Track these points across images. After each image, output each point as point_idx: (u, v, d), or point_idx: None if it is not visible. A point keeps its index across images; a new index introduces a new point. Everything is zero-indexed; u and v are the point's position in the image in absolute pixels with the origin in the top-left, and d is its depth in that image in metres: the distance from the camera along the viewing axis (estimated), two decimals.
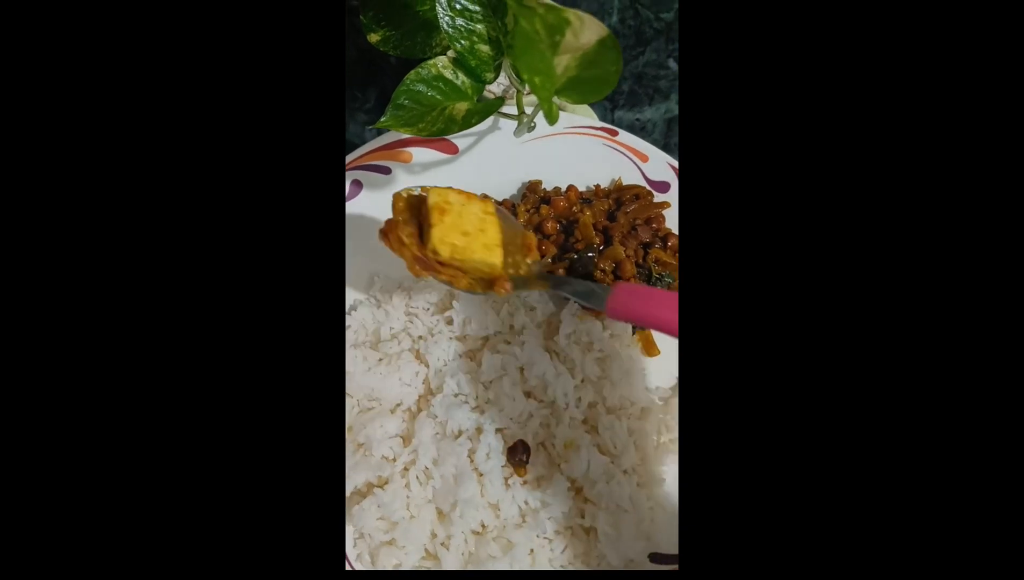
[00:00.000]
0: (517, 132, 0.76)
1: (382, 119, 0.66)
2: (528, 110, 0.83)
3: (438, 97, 0.68)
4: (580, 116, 0.93)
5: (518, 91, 0.78)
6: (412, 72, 0.67)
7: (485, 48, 0.68)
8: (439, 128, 0.67)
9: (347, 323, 0.84)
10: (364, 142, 1.12)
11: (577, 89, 0.63)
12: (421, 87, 0.67)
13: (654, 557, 0.73)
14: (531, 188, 0.89)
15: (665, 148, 0.97)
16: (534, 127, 0.76)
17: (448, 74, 0.69)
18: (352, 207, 0.86)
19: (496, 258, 0.65)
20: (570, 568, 0.73)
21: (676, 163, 0.89)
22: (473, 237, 0.64)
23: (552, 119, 0.67)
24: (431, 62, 0.68)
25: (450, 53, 0.69)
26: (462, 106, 0.69)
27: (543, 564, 0.72)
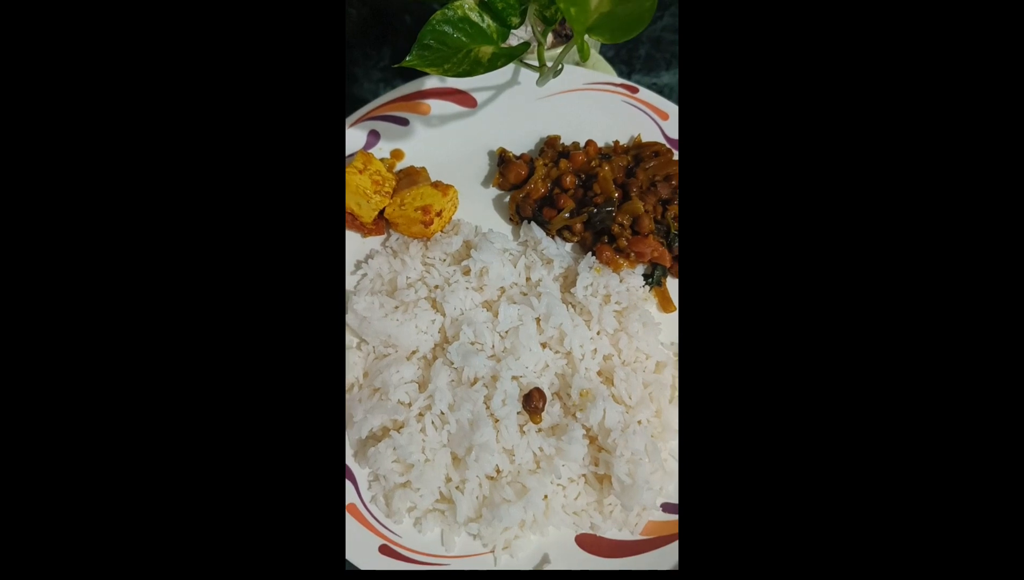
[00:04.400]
0: (540, 81, 0.76)
1: (407, 58, 0.66)
2: (549, 63, 0.83)
3: (463, 39, 0.67)
4: (600, 72, 0.92)
5: (539, 42, 0.77)
6: (438, 12, 0.67)
7: None
8: (464, 69, 0.67)
9: (364, 272, 0.84)
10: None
11: (610, 25, 0.63)
12: (447, 28, 0.67)
13: (666, 507, 0.74)
14: (549, 143, 0.89)
15: None
16: (561, 70, 0.76)
17: (474, 16, 0.68)
18: None
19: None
20: (583, 513, 0.73)
21: None
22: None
23: (585, 56, 0.67)
24: (457, 3, 0.67)
25: None
26: (487, 49, 0.68)
27: (556, 508, 0.73)
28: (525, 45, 0.70)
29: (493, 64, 0.67)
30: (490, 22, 0.69)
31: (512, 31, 0.72)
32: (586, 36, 0.65)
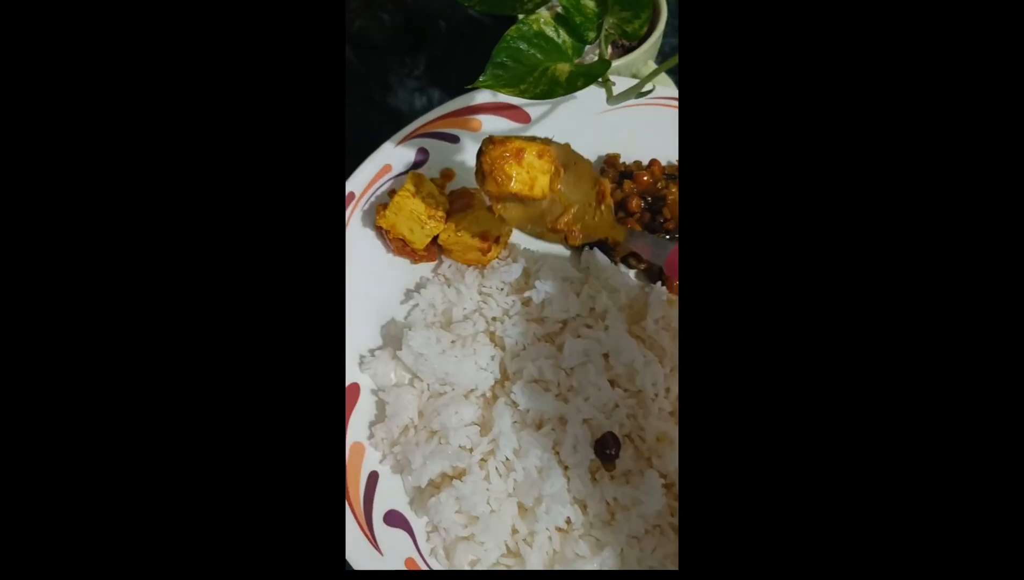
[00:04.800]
0: (613, 100, 0.70)
1: (481, 78, 0.60)
2: (615, 80, 0.77)
3: (539, 56, 0.62)
4: (660, 85, 0.87)
5: (604, 57, 0.72)
6: (512, 28, 0.61)
7: (591, 3, 0.62)
8: (542, 90, 0.61)
9: (415, 302, 0.78)
10: (412, 109, 1.06)
11: None
12: (523, 45, 0.61)
13: None
14: (609, 161, 0.83)
15: None
16: (651, 90, 0.70)
17: (550, 31, 0.62)
18: None
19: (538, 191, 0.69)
20: (659, 568, 0.68)
21: None
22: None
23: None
24: (532, 18, 0.61)
25: (551, 6, 0.63)
26: (564, 67, 0.63)
27: (631, 563, 0.67)
28: (607, 63, 0.64)
29: (572, 84, 0.62)
30: (566, 37, 0.63)
31: (589, 45, 0.67)
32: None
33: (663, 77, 0.94)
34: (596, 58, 0.67)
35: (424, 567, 0.69)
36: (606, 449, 0.68)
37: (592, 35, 0.65)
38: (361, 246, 0.79)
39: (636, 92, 0.67)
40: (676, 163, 0.84)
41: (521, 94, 0.61)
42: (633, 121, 0.84)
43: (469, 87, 0.62)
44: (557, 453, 0.69)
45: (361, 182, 0.81)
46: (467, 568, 0.68)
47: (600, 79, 0.70)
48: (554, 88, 0.61)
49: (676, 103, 0.84)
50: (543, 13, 0.62)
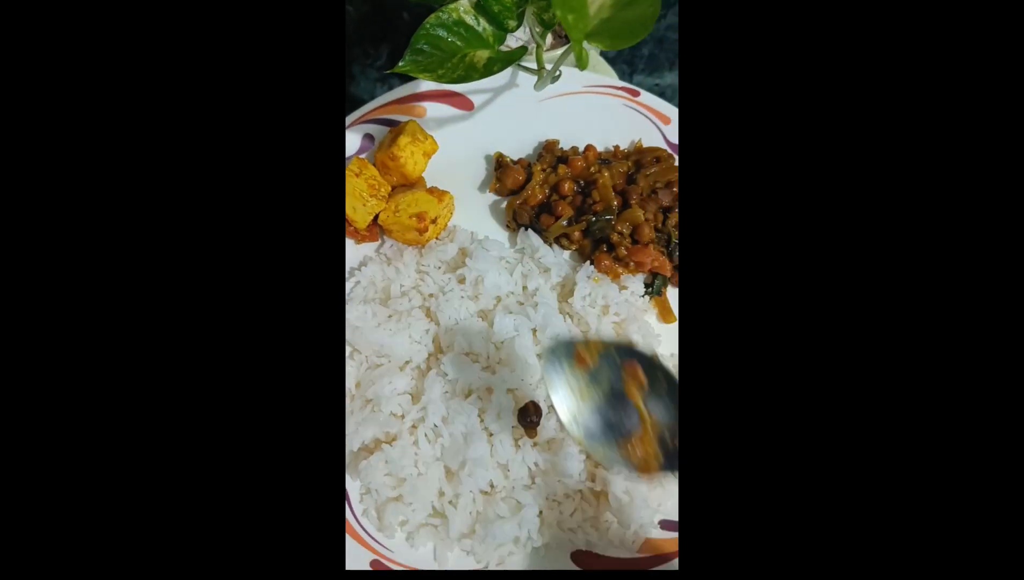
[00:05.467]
0: (538, 85, 0.74)
1: (400, 63, 0.64)
2: (548, 66, 0.80)
3: (458, 43, 0.65)
4: (600, 75, 0.90)
5: (538, 45, 0.75)
6: (432, 16, 0.65)
7: None
8: (459, 75, 0.65)
9: (357, 279, 0.82)
10: (373, 98, 1.09)
11: (610, 31, 0.60)
12: (441, 32, 0.64)
13: (665, 524, 0.72)
14: (548, 147, 0.87)
15: None
16: (559, 76, 0.74)
17: (469, 20, 0.66)
18: None
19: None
20: (578, 530, 0.72)
21: None
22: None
23: (583, 64, 0.64)
24: (452, 6, 0.65)
25: None
26: (483, 54, 0.66)
27: (551, 525, 0.71)
28: (522, 50, 0.67)
29: (489, 70, 0.65)
30: (486, 25, 0.67)
31: (511, 33, 0.70)
32: (585, 43, 0.63)
33: (603, 65, 0.97)
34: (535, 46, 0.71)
35: (358, 528, 0.73)
36: (528, 417, 0.72)
37: (513, 23, 0.68)
38: None
39: (551, 77, 0.71)
40: (613, 148, 0.87)
41: (439, 79, 0.65)
42: (573, 108, 0.88)
43: (388, 72, 0.66)
44: (482, 420, 0.73)
45: None
46: (396, 528, 0.72)
47: (538, 67, 0.74)
48: (471, 73, 0.65)
49: (615, 91, 0.88)
50: (463, 2, 0.66)
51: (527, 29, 0.80)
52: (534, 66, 0.75)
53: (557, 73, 0.72)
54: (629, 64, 1.14)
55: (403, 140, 0.80)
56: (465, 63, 0.65)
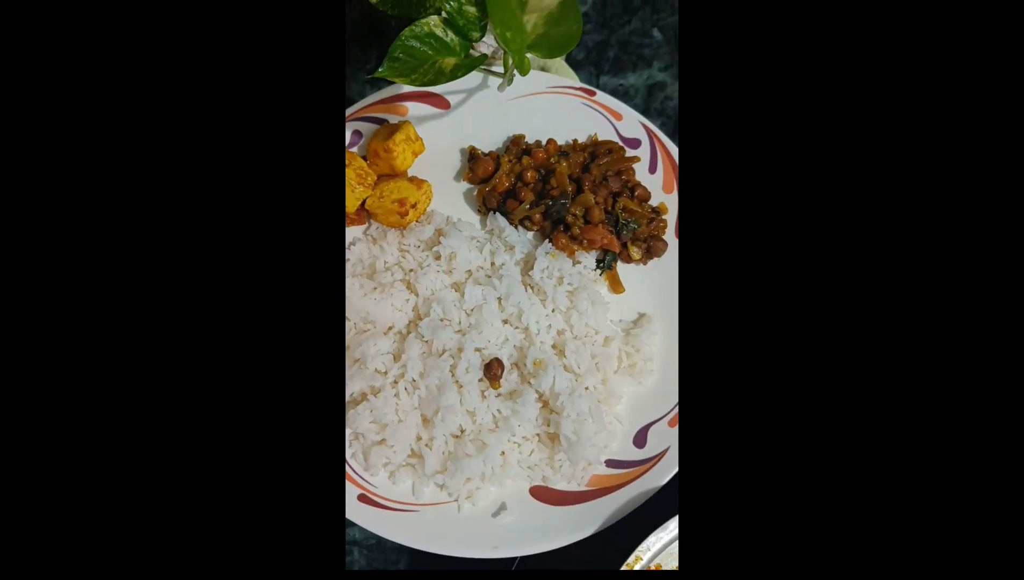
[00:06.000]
0: (501, 87, 0.86)
1: (379, 70, 0.76)
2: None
3: (429, 52, 0.77)
4: (562, 77, 1.02)
5: (505, 51, 0.87)
6: (407, 29, 0.76)
7: (472, 9, 0.78)
8: (429, 79, 0.77)
9: (347, 256, 0.94)
10: (363, 99, 1.21)
11: (545, 45, 0.72)
12: (414, 43, 0.76)
13: (610, 463, 0.84)
14: (515, 141, 0.99)
15: (646, 112, 1.05)
16: (512, 79, 0.86)
17: (439, 32, 0.78)
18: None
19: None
20: (536, 467, 0.84)
21: (648, 122, 0.98)
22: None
23: (524, 70, 0.76)
24: (424, 20, 0.77)
25: (442, 13, 0.79)
26: (451, 61, 0.78)
27: (512, 463, 0.83)
28: (483, 57, 0.79)
29: (455, 74, 0.77)
30: (453, 37, 0.79)
31: (476, 42, 0.82)
32: (528, 54, 0.75)
33: (566, 69, 1.09)
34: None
35: (348, 468, 0.85)
36: (492, 371, 0.84)
37: (476, 34, 0.80)
38: None
39: (510, 79, 0.83)
40: (572, 142, 0.99)
41: (412, 82, 0.77)
42: (537, 107, 1.00)
43: (368, 76, 0.78)
44: (454, 375, 0.85)
45: None
46: (380, 467, 0.84)
47: (504, 71, 0.86)
48: (439, 77, 0.77)
49: (574, 91, 0.99)
50: (433, 17, 0.78)
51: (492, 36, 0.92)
52: (499, 70, 0.87)
53: (511, 78, 0.84)
54: (596, 66, 1.25)
55: (399, 137, 0.91)
56: (435, 69, 0.77)
